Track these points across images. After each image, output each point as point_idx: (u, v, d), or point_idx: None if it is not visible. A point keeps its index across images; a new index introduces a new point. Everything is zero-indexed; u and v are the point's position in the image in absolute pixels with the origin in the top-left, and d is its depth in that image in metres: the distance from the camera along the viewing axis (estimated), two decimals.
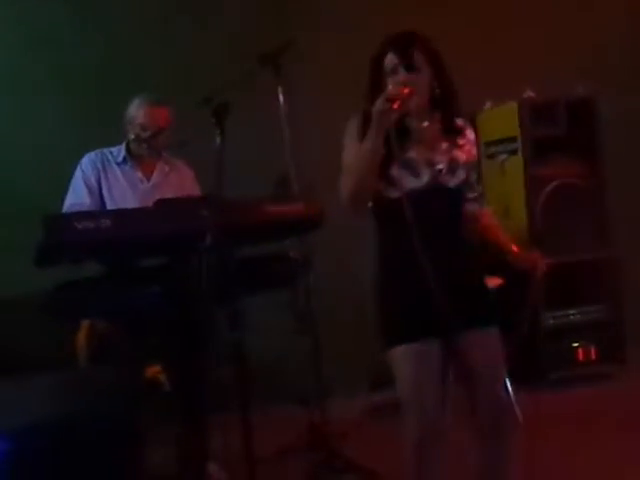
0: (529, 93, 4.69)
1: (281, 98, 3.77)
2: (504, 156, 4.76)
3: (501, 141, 4.77)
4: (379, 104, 2.27)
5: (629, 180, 5.10)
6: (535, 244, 4.39)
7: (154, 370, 3.45)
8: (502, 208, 4.61)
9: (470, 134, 2.55)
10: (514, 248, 2.58)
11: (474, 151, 2.56)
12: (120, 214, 2.72)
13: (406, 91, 2.31)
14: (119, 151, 3.31)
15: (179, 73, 4.49)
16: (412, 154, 2.42)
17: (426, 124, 2.47)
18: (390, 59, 2.40)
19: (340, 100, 4.54)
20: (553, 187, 4.59)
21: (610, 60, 5.25)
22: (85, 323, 3.26)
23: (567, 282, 4.33)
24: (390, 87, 2.34)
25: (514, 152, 4.69)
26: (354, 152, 2.40)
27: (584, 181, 4.67)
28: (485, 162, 4.81)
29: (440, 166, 2.44)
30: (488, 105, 4.88)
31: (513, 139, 4.69)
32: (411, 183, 2.39)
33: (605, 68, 5.16)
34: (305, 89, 4.46)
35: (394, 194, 2.39)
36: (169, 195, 3.15)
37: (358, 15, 4.82)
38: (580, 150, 4.70)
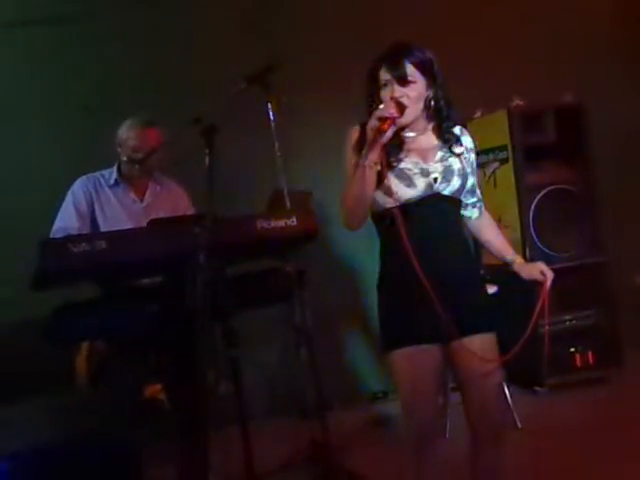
0: (518, 101, 4.72)
1: (271, 114, 3.81)
2: (495, 165, 4.78)
3: (492, 150, 4.79)
4: (371, 123, 2.31)
5: (619, 184, 5.15)
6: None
7: (154, 389, 3.46)
8: (495, 218, 4.61)
9: (467, 141, 2.57)
10: (518, 260, 2.62)
11: (472, 157, 2.57)
12: (115, 235, 2.75)
13: (396, 110, 2.33)
14: (110, 174, 3.33)
15: (169, 94, 4.52)
16: (406, 164, 2.45)
17: (420, 134, 2.50)
18: (383, 73, 2.42)
19: (331, 113, 4.63)
20: (545, 194, 4.61)
21: (597, 67, 5.29)
22: (84, 345, 3.27)
23: (562, 288, 4.32)
24: (381, 107, 2.34)
25: (505, 160, 4.72)
26: (353, 164, 2.41)
27: (575, 187, 4.69)
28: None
29: (435, 175, 2.46)
30: (478, 114, 4.91)
31: (503, 147, 4.71)
32: (407, 193, 2.42)
33: (593, 75, 5.20)
34: (294, 103, 4.49)
35: (391, 204, 2.42)
36: (162, 214, 3.17)
37: (346, 27, 4.87)
38: (570, 156, 4.72)
